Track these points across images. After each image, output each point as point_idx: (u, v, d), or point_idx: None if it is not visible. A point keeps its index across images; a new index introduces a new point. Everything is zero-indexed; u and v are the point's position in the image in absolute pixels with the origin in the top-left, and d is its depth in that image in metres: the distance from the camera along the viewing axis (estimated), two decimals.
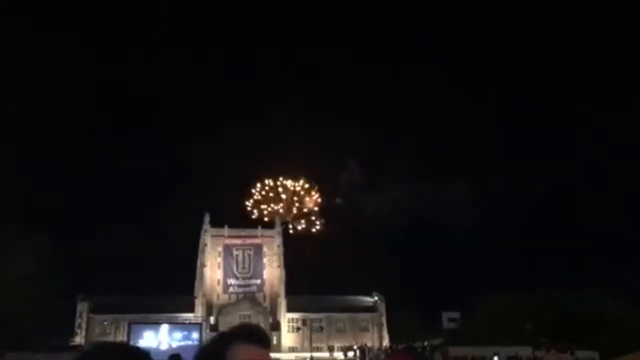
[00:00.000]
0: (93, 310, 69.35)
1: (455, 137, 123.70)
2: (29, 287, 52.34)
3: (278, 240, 78.17)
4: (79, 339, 64.49)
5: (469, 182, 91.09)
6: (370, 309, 75.97)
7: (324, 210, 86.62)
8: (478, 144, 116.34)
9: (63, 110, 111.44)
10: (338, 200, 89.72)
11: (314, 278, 78.99)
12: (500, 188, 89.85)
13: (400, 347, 66.34)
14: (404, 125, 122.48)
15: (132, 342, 49.00)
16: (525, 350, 50.43)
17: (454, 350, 54.10)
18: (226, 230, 77.21)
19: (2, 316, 48.87)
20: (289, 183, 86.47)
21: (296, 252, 76.80)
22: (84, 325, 68.31)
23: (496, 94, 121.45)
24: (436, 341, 64.57)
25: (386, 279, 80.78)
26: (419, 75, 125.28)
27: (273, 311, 72.92)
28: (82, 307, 69.08)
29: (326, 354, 65.10)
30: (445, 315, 66.08)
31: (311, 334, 64.74)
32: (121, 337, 59.68)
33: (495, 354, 48.14)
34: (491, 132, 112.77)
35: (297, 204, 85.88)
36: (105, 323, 69.28)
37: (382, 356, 52.19)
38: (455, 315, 65.94)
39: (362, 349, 60.15)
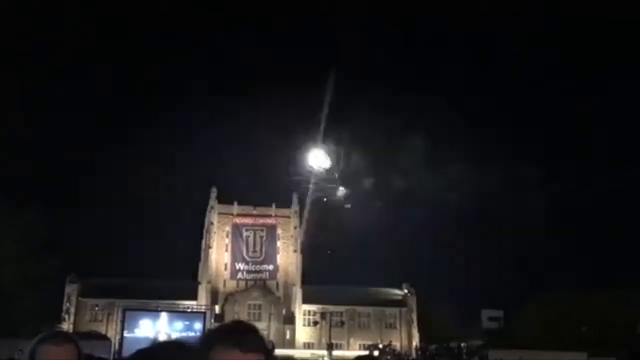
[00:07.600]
0: (83, 293, 68.68)
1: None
2: (18, 267, 53.35)
3: (295, 221, 76.14)
4: (66, 326, 64.01)
5: (534, 167, 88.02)
6: (399, 303, 74.63)
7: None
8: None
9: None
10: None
11: (335, 266, 78.49)
12: (571, 174, 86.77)
13: (432, 347, 66.36)
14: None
15: (126, 331, 49.17)
16: (579, 357, 50.43)
17: (495, 354, 53.64)
18: (235, 208, 75.67)
19: None
20: None
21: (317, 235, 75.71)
22: (72, 310, 67.86)
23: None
24: (474, 342, 64.03)
25: (418, 270, 79.84)
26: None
27: (287, 302, 71.83)
28: (70, 289, 68.27)
29: (339, 352, 62.86)
30: (485, 314, 65.25)
31: (330, 329, 62.96)
32: (114, 324, 59.63)
33: None
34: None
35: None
36: (97, 308, 68.90)
37: None
38: (498, 313, 64.92)
39: (382, 352, 54.32)
